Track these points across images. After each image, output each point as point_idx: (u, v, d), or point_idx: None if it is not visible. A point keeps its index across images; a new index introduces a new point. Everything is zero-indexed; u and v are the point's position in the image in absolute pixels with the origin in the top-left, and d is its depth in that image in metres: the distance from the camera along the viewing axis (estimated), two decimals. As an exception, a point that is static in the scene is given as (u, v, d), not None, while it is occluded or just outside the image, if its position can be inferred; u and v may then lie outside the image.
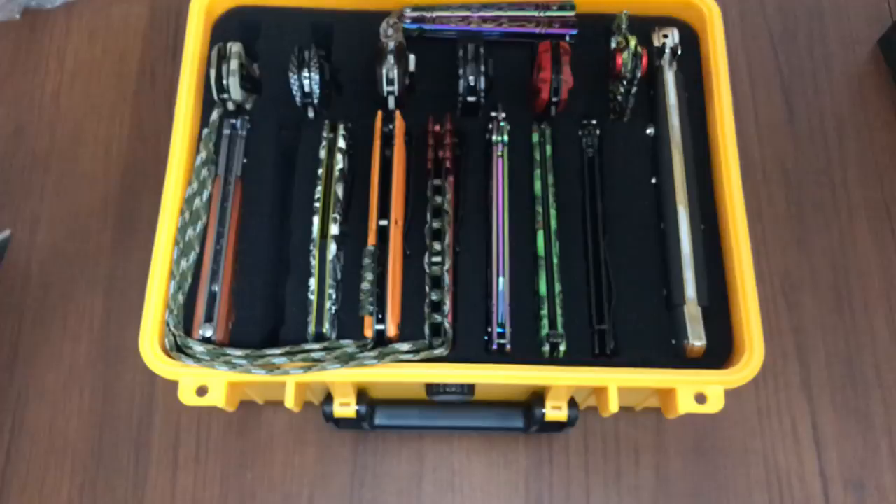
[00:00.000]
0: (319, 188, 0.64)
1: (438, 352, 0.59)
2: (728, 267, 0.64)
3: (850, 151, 0.84)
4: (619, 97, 0.67)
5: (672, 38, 0.69)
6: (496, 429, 0.69)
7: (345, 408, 0.64)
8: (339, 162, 0.65)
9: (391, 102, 0.67)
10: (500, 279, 0.62)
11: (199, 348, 0.59)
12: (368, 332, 0.60)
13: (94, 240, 0.79)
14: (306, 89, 0.65)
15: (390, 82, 0.65)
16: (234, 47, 0.65)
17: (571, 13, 0.70)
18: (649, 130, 0.68)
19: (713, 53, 0.69)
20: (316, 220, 0.63)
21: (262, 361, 0.59)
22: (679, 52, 0.69)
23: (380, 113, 0.66)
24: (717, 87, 0.68)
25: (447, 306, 0.61)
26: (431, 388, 0.62)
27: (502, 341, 0.61)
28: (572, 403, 0.65)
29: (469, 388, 0.62)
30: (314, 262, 0.62)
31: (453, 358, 0.60)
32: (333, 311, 0.61)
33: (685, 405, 0.58)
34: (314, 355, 0.59)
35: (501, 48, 0.70)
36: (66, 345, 0.75)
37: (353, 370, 0.58)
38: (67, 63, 0.86)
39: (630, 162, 0.68)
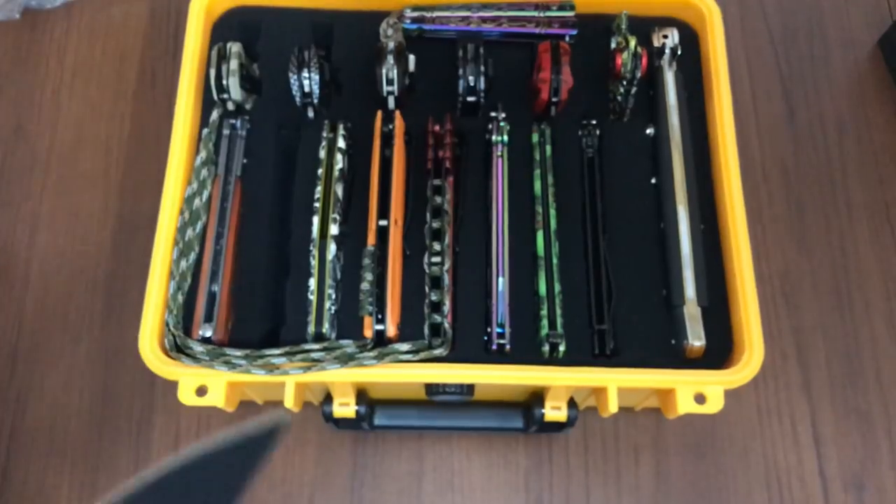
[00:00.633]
0: (319, 188, 0.64)
1: (438, 352, 0.59)
2: (728, 267, 0.64)
3: (850, 151, 0.84)
4: (619, 97, 0.67)
5: (672, 38, 0.69)
6: (496, 429, 0.69)
7: (344, 408, 0.64)
8: (339, 162, 0.65)
9: (391, 102, 0.67)
10: (500, 279, 0.62)
11: (198, 348, 0.59)
12: (368, 333, 0.60)
13: (94, 240, 0.79)
14: (306, 89, 0.65)
15: (390, 82, 0.65)
16: (234, 47, 0.65)
17: (571, 13, 0.70)
18: (649, 130, 0.68)
19: (713, 53, 0.69)
20: (316, 220, 0.63)
21: (262, 361, 0.59)
22: (679, 52, 0.69)
23: (380, 113, 0.66)
24: (717, 87, 0.68)
25: (447, 306, 0.61)
26: (431, 388, 0.62)
27: (502, 341, 0.61)
28: (572, 403, 0.65)
29: (469, 389, 0.62)
30: (314, 262, 0.62)
31: (453, 358, 0.60)
32: (333, 312, 0.61)
33: (685, 405, 0.58)
34: (314, 355, 0.59)
35: (501, 48, 0.70)
36: (66, 345, 0.75)
37: (353, 370, 0.58)
38: (67, 63, 0.86)
39: (630, 162, 0.68)
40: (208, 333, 0.61)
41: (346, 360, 0.58)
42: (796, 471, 0.72)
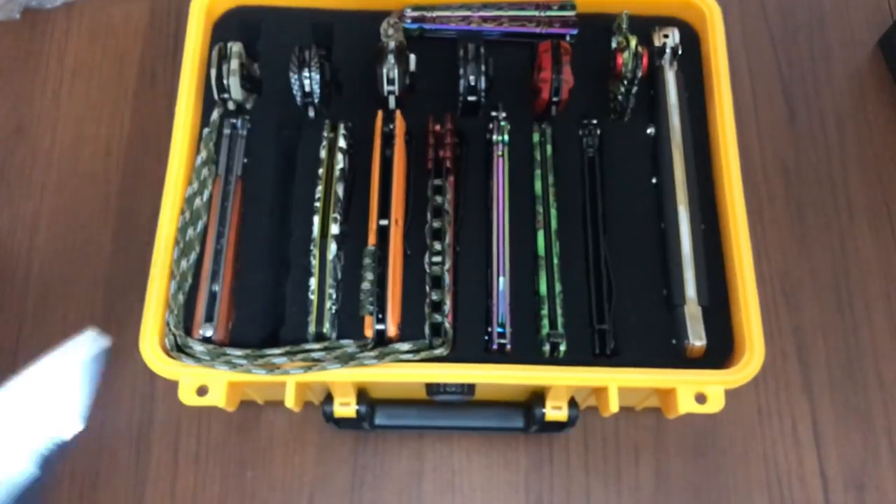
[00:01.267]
0: (320, 188, 0.64)
1: (438, 352, 0.59)
2: (728, 267, 0.64)
3: (850, 151, 0.84)
4: (620, 97, 0.67)
5: (672, 38, 0.69)
6: (496, 429, 0.69)
7: (345, 408, 0.64)
8: (340, 161, 0.65)
9: (391, 102, 0.67)
10: (501, 279, 0.62)
11: (199, 348, 0.59)
12: (369, 332, 0.60)
13: (94, 240, 0.78)
14: (306, 89, 0.65)
15: (391, 82, 0.65)
16: (235, 47, 0.65)
17: (572, 13, 0.70)
18: (649, 130, 0.68)
19: (713, 53, 0.69)
20: (316, 219, 0.63)
21: (263, 361, 0.59)
22: (679, 52, 0.69)
23: (380, 113, 0.66)
24: (717, 87, 0.68)
25: (447, 306, 0.61)
26: (431, 387, 0.62)
27: (502, 341, 0.61)
28: (572, 403, 0.65)
29: (469, 388, 0.62)
30: (314, 262, 0.62)
31: (453, 358, 0.60)
32: (333, 311, 0.61)
33: (685, 405, 0.58)
34: (314, 355, 0.59)
35: (502, 48, 0.70)
36: (66, 345, 0.75)
37: (353, 370, 0.58)
38: (67, 63, 0.86)
39: (630, 162, 0.68)
40: (209, 333, 0.61)
41: (347, 359, 0.58)
42: (796, 471, 0.72)
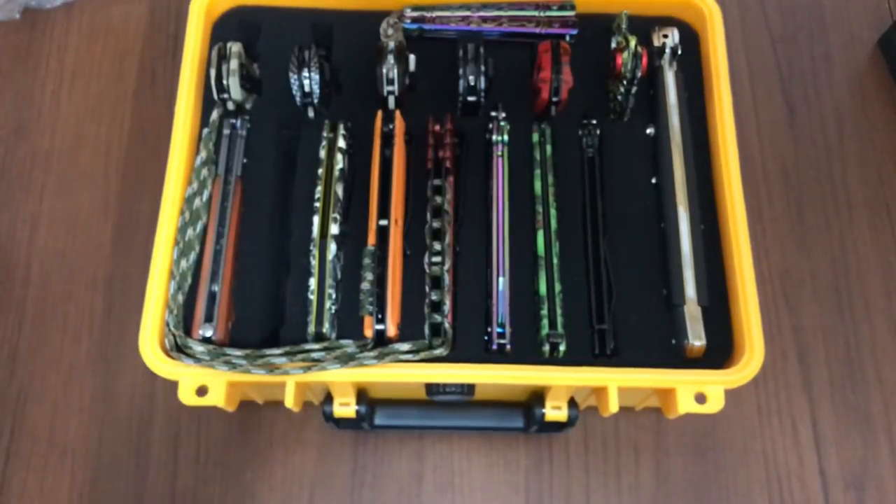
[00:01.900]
0: (319, 188, 0.64)
1: (438, 352, 0.59)
2: (728, 267, 0.64)
3: (850, 151, 0.84)
4: (619, 97, 0.67)
5: (672, 38, 0.69)
6: (496, 429, 0.69)
7: (345, 408, 0.64)
8: (339, 162, 0.65)
9: (391, 102, 0.67)
10: (500, 279, 0.62)
11: (199, 348, 0.59)
12: (368, 332, 0.60)
13: (94, 240, 0.79)
14: (306, 89, 0.65)
15: (390, 82, 0.65)
16: (234, 47, 0.65)
17: (571, 13, 0.70)
18: (649, 130, 0.68)
19: (713, 53, 0.69)
20: (316, 219, 0.63)
21: (262, 361, 0.59)
22: (679, 52, 0.69)
23: (380, 113, 0.66)
24: (717, 87, 0.68)
25: (447, 306, 0.61)
26: (431, 388, 0.62)
27: (502, 341, 0.61)
28: (572, 403, 0.65)
29: (469, 388, 0.62)
30: (314, 262, 0.62)
31: (453, 358, 0.60)
32: (333, 311, 0.61)
33: (685, 405, 0.58)
34: (314, 355, 0.59)
35: (501, 48, 0.70)
36: (66, 345, 0.75)
37: (353, 370, 0.58)
38: (67, 63, 0.86)
39: (630, 162, 0.68)
40: (209, 333, 0.61)
41: (347, 359, 0.58)
42: (796, 471, 0.72)
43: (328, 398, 0.65)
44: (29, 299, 0.77)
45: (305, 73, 0.64)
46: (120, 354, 0.75)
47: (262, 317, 0.63)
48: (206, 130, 0.66)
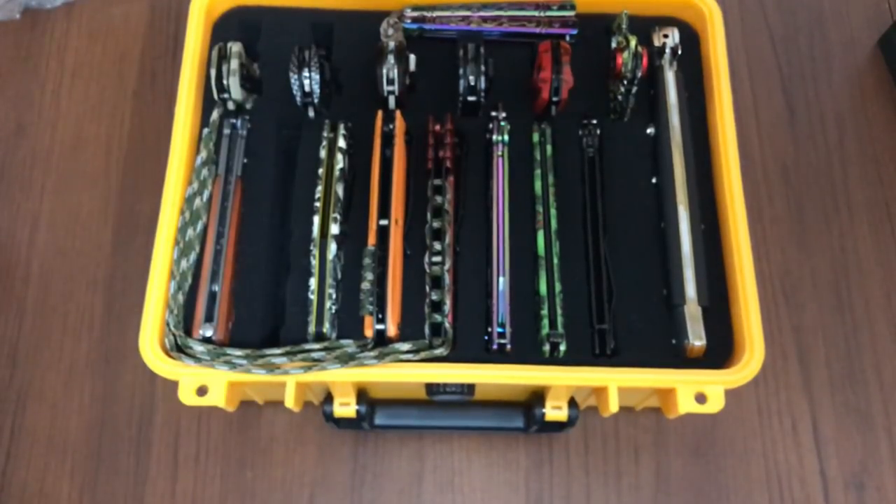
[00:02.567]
0: (319, 188, 0.64)
1: (438, 352, 0.59)
2: (728, 267, 0.64)
3: (850, 151, 0.84)
4: (620, 97, 0.67)
5: (672, 38, 0.69)
6: (496, 429, 0.69)
7: (345, 408, 0.64)
8: (340, 162, 0.65)
9: (391, 102, 0.67)
10: (501, 279, 0.62)
11: (199, 348, 0.59)
12: (369, 332, 0.60)
13: (94, 240, 0.79)
14: (306, 89, 0.65)
15: (390, 82, 0.65)
16: (235, 47, 0.65)
17: (571, 13, 0.70)
18: (649, 130, 0.68)
19: (713, 53, 0.69)
20: (316, 219, 0.63)
21: (262, 361, 0.59)
22: (679, 52, 0.69)
23: (380, 113, 0.66)
24: (717, 87, 0.68)
25: (447, 306, 0.61)
26: (431, 388, 0.62)
27: (502, 341, 0.61)
28: (572, 403, 0.65)
29: (469, 388, 0.62)
30: (314, 262, 0.62)
31: (453, 358, 0.60)
32: (333, 311, 0.61)
33: (685, 405, 0.58)
34: (314, 355, 0.59)
35: (501, 48, 0.70)
36: (66, 345, 0.75)
37: (353, 370, 0.58)
38: (67, 63, 0.86)
39: (630, 162, 0.68)
40: (209, 333, 0.61)
41: (347, 359, 0.58)
42: (796, 471, 0.72)
43: (328, 398, 0.65)
44: (29, 299, 0.77)
45: (305, 73, 0.64)
46: (120, 354, 0.75)
47: (263, 317, 0.62)
48: (206, 130, 0.66)
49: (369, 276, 0.61)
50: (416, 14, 0.70)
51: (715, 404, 0.59)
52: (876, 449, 0.73)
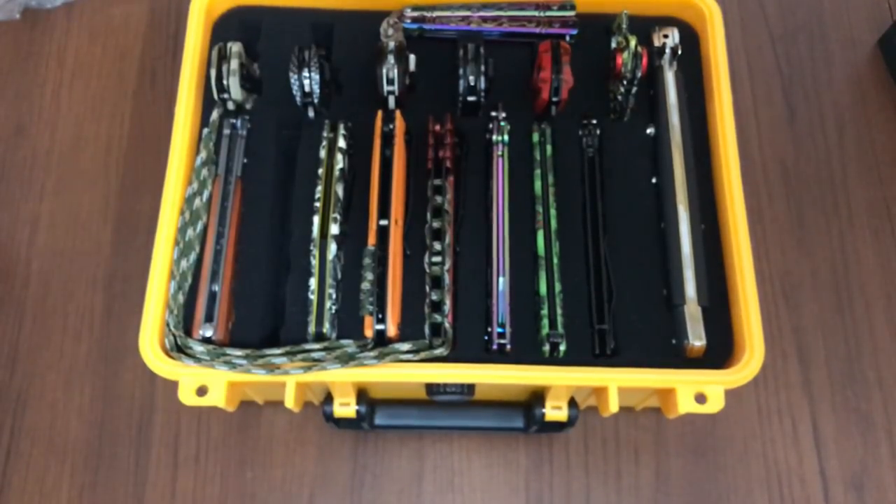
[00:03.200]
0: (319, 188, 0.64)
1: (438, 352, 0.59)
2: (728, 267, 0.64)
3: (850, 151, 0.84)
4: (620, 97, 0.67)
5: (672, 38, 0.69)
6: (496, 429, 0.69)
7: (345, 408, 0.64)
8: (340, 162, 0.65)
9: (391, 102, 0.67)
10: (500, 279, 0.62)
11: (199, 348, 0.59)
12: (368, 332, 0.60)
13: (94, 240, 0.79)
14: (306, 89, 0.65)
15: (390, 82, 0.65)
16: (235, 47, 0.65)
17: (571, 13, 0.70)
18: (649, 130, 0.68)
19: (713, 53, 0.69)
20: (316, 219, 0.63)
21: (262, 361, 0.59)
22: (679, 52, 0.69)
23: (380, 113, 0.66)
24: (717, 87, 0.68)
25: (447, 306, 0.61)
26: (431, 388, 0.62)
27: (502, 341, 0.61)
28: (572, 403, 0.65)
29: (469, 388, 0.62)
30: (314, 262, 0.62)
31: (453, 358, 0.60)
32: (333, 311, 0.61)
33: (685, 405, 0.58)
34: (314, 355, 0.59)
35: (501, 48, 0.70)
36: (66, 345, 0.75)
37: (353, 370, 0.58)
38: (67, 63, 0.86)
39: (630, 162, 0.68)
40: (209, 333, 0.61)
41: (347, 359, 0.58)
42: (796, 471, 0.72)
43: (328, 398, 0.65)
44: (29, 299, 0.77)
45: (305, 73, 0.64)
46: (120, 354, 0.75)
47: (263, 317, 0.62)
48: (206, 130, 0.66)
49: (369, 276, 0.61)
50: (416, 14, 0.70)
51: (715, 404, 0.59)
52: (876, 449, 0.73)
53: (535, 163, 0.67)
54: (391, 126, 0.66)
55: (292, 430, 0.72)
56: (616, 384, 0.59)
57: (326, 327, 0.60)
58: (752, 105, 0.85)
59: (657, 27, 0.70)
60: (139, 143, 0.82)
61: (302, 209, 0.65)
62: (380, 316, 0.61)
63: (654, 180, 0.67)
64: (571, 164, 0.67)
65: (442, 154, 0.65)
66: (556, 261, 0.63)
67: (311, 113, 0.68)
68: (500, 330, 0.61)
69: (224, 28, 0.71)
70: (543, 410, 0.64)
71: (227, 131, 0.67)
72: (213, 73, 0.65)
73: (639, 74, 0.65)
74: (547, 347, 0.61)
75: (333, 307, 0.61)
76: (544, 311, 0.62)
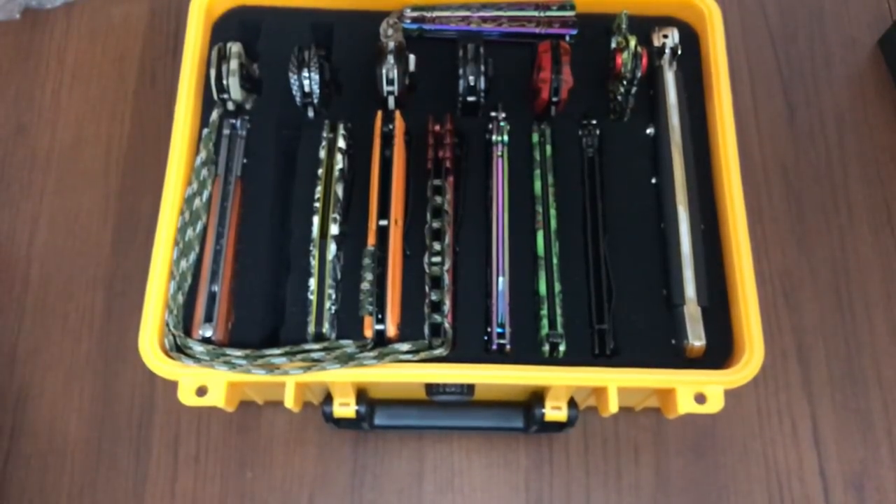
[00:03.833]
0: (319, 188, 0.64)
1: (438, 352, 0.59)
2: (728, 267, 0.64)
3: (850, 151, 0.84)
4: (619, 97, 0.67)
5: (672, 38, 0.69)
6: (496, 429, 0.69)
7: (345, 408, 0.64)
8: (339, 162, 0.65)
9: (391, 102, 0.67)
10: (500, 279, 0.62)
11: (198, 348, 0.59)
12: (368, 332, 0.60)
13: (94, 240, 0.79)
14: (306, 89, 0.65)
15: (390, 82, 0.65)
16: (234, 47, 0.65)
17: (571, 13, 0.70)
18: (649, 130, 0.68)
19: (713, 53, 0.69)
20: (316, 220, 0.63)
21: (262, 361, 0.59)
22: (679, 52, 0.69)
23: (380, 113, 0.66)
24: (717, 87, 0.68)
25: (447, 306, 0.61)
26: (431, 388, 0.62)
27: (502, 341, 0.61)
28: (572, 403, 0.65)
29: (469, 388, 0.62)
30: (314, 262, 0.62)
31: (453, 358, 0.60)
32: (333, 311, 0.61)
33: (685, 405, 0.58)
34: (314, 355, 0.59)
35: (501, 48, 0.70)
36: (66, 345, 0.75)
37: (353, 370, 0.58)
38: (67, 63, 0.86)
39: (630, 162, 0.68)
40: (208, 333, 0.61)
41: (347, 359, 0.58)
42: (796, 471, 0.72)
43: (328, 398, 0.65)
44: (29, 299, 0.77)
45: (305, 73, 0.64)
46: (120, 354, 0.75)
47: (262, 317, 0.62)
48: (206, 130, 0.66)
49: (369, 276, 0.61)
50: (415, 14, 0.70)
51: (715, 404, 0.59)
52: (876, 449, 0.73)
53: (535, 163, 0.67)
54: (391, 126, 0.66)
55: (292, 430, 0.72)
56: (616, 384, 0.59)
57: (326, 327, 0.60)
58: (752, 105, 0.85)
59: (657, 27, 0.70)
60: (139, 143, 0.82)
61: (302, 209, 0.65)
62: (379, 316, 0.61)
63: (654, 180, 0.67)
64: (571, 164, 0.67)
65: (442, 154, 0.65)
66: (555, 261, 0.63)
67: (310, 113, 0.68)
68: (499, 330, 0.61)
69: (224, 28, 0.71)
70: (543, 410, 0.64)
71: (226, 131, 0.67)
72: (212, 73, 0.65)
73: (639, 74, 0.64)
74: (546, 347, 0.61)
75: (333, 307, 0.61)
76: (544, 311, 0.62)
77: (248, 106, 0.68)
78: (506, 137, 0.66)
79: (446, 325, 0.61)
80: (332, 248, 0.62)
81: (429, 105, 0.68)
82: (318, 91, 0.65)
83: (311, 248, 0.63)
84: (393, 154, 0.65)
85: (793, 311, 0.77)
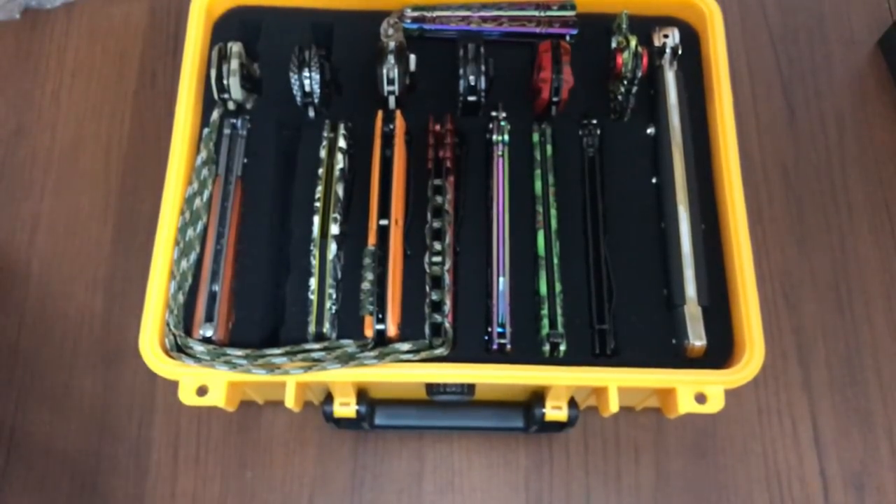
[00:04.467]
0: (320, 188, 0.64)
1: (438, 352, 0.59)
2: (728, 267, 0.64)
3: (850, 151, 0.84)
4: (620, 97, 0.67)
5: (672, 37, 0.69)
6: (496, 429, 0.69)
7: (345, 408, 0.64)
8: (340, 162, 0.65)
9: (391, 102, 0.67)
10: (501, 279, 0.62)
11: (199, 348, 0.59)
12: (369, 332, 0.60)
13: (94, 240, 0.79)
14: (307, 89, 0.65)
15: (391, 82, 0.65)
16: (235, 47, 0.65)
17: (572, 13, 0.70)
18: (649, 130, 0.68)
19: (713, 53, 0.69)
20: (316, 219, 0.63)
21: (263, 361, 0.59)
22: (679, 52, 0.69)
23: (380, 113, 0.66)
24: (717, 87, 0.68)
25: (447, 306, 0.61)
26: (431, 387, 0.62)
27: (502, 341, 0.61)
28: (572, 403, 0.65)
29: (469, 388, 0.62)
30: (314, 262, 0.62)
31: (453, 358, 0.60)
32: (333, 311, 0.61)
33: (685, 405, 0.58)
34: (314, 355, 0.59)
35: (502, 48, 0.70)
36: (66, 345, 0.75)
37: (353, 370, 0.58)
38: (67, 63, 0.86)
39: (630, 162, 0.68)
40: (209, 333, 0.61)
41: (347, 359, 0.58)
42: (796, 471, 0.72)
43: (328, 398, 0.65)
44: (29, 299, 0.77)
45: (306, 73, 0.64)
46: (120, 354, 0.75)
47: (263, 317, 0.62)
48: (206, 130, 0.66)
49: (369, 276, 0.61)
50: (416, 14, 0.70)
51: (715, 404, 0.59)
52: (876, 449, 0.73)
53: (536, 163, 0.67)
54: (391, 126, 0.66)
55: (292, 430, 0.72)
56: (616, 384, 0.59)
57: (326, 327, 0.60)
58: (752, 105, 0.86)
59: (657, 27, 0.70)
60: (139, 143, 0.82)
61: (302, 209, 0.65)
62: (380, 316, 0.61)
63: (654, 180, 0.67)
64: (571, 164, 0.67)
65: (442, 154, 0.65)
66: (556, 261, 0.63)
67: (311, 113, 0.68)
68: (500, 330, 0.61)
69: (224, 28, 0.71)
70: (543, 410, 0.64)
71: (227, 131, 0.67)
72: (213, 73, 0.65)
73: (639, 74, 0.65)
74: (547, 347, 0.61)
75: (333, 307, 0.61)
76: (544, 311, 0.62)
77: (248, 106, 0.68)
78: (506, 137, 0.67)
79: (447, 324, 0.61)
80: (332, 247, 0.62)
81: (429, 105, 0.68)
82: (318, 91, 0.65)
83: (312, 247, 0.63)
84: (393, 154, 0.65)
85: (793, 311, 0.77)
